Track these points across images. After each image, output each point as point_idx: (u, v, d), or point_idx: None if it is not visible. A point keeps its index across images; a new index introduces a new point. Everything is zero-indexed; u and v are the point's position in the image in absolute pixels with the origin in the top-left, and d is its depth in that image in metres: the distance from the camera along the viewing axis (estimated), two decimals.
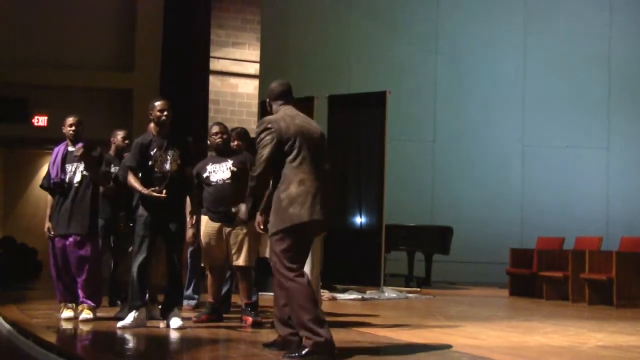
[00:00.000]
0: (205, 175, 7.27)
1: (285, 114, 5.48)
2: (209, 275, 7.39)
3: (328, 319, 7.32)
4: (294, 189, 5.24)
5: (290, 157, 5.31)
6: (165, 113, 6.82)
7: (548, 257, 11.65)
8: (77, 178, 7.29)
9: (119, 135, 8.57)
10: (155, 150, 6.78)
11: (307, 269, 6.59)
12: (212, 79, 15.84)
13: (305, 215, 5.21)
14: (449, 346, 5.99)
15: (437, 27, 16.37)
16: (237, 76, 17.48)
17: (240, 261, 7.17)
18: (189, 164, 7.00)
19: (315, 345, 5.08)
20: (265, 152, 5.31)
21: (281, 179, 5.30)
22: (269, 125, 5.36)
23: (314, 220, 5.25)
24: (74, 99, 13.79)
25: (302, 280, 5.22)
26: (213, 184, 7.25)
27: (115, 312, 7.47)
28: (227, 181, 7.20)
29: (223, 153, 7.36)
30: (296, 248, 5.27)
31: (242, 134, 7.61)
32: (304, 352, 5.10)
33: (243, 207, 5.77)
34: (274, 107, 5.61)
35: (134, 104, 13.91)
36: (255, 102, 16.21)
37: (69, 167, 7.31)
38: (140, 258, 6.70)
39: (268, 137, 5.32)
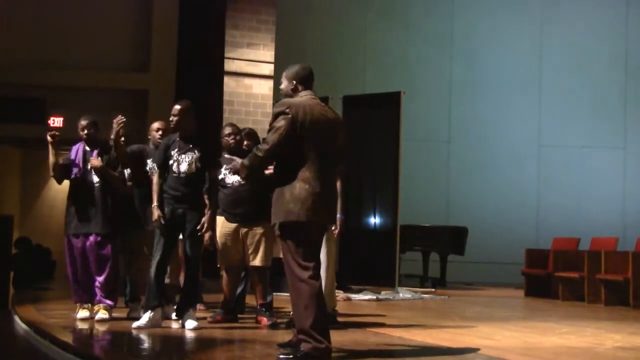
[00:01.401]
0: (220, 177, 7.27)
1: (307, 102, 5.26)
2: (225, 276, 7.39)
3: (342, 319, 7.38)
4: (297, 186, 5.09)
5: (300, 151, 5.13)
6: (171, 118, 6.95)
7: (564, 258, 11.60)
8: (97, 177, 7.33)
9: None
10: (175, 150, 6.88)
11: (322, 269, 6.59)
12: (227, 80, 15.85)
13: (302, 216, 5.06)
14: (464, 347, 5.97)
15: (452, 27, 16.33)
16: (251, 77, 17.50)
17: (257, 261, 7.18)
18: (214, 166, 7.05)
19: (315, 349, 4.95)
20: (272, 139, 5.14)
21: (287, 173, 5.14)
22: (286, 110, 5.15)
23: (310, 222, 5.09)
24: (89, 100, 13.80)
25: (314, 282, 5.04)
26: (229, 185, 7.26)
27: (128, 312, 7.52)
28: (243, 182, 7.20)
29: (236, 154, 7.35)
30: (303, 244, 5.09)
31: (251, 134, 7.65)
32: (300, 355, 5.00)
33: (238, 160, 5.51)
34: (299, 89, 5.36)
35: (150, 104, 13.92)
36: (269, 102, 16.21)
37: (89, 166, 7.35)
38: (157, 258, 6.73)
39: (282, 123, 5.12)
